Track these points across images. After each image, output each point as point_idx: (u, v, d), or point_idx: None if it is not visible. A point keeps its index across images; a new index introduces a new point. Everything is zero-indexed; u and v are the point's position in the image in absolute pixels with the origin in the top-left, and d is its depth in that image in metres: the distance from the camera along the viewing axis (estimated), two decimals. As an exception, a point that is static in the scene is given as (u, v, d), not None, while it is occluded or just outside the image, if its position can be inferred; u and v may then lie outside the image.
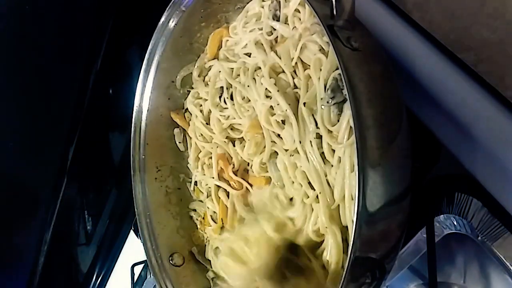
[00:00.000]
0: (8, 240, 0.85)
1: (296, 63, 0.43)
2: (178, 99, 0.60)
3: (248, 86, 0.48)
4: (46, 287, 0.92)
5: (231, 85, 0.52)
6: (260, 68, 0.47)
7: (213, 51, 0.56)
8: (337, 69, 0.39)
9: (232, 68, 0.52)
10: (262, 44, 0.48)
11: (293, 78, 0.44)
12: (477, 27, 0.42)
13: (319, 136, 0.41)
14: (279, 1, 0.47)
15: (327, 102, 0.39)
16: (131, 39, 0.79)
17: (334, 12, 0.33)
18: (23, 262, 0.87)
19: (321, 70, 0.40)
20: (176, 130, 0.61)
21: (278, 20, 0.47)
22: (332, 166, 0.41)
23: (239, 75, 0.51)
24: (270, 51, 0.47)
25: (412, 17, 0.47)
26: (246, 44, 0.50)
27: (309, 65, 0.42)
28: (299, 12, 0.45)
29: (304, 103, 0.42)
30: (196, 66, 0.58)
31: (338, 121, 0.39)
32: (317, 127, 0.41)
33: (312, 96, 0.41)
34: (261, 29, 0.48)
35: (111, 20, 0.73)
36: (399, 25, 0.47)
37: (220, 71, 0.54)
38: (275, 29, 0.47)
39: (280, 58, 0.45)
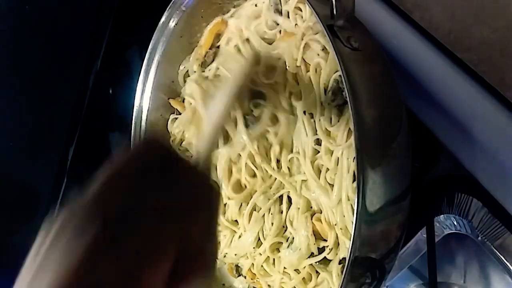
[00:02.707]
0: (8, 240, 0.85)
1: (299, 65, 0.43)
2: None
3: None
4: None
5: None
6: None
7: (209, 43, 0.55)
8: (337, 71, 0.39)
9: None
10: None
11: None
12: (477, 27, 0.42)
13: (318, 142, 0.41)
14: None
15: (328, 104, 0.39)
16: (131, 39, 0.79)
17: (334, 12, 0.33)
18: (23, 262, 0.86)
19: (321, 72, 0.40)
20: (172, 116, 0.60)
21: (280, 15, 0.46)
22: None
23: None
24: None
25: (412, 17, 0.47)
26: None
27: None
28: (301, 10, 0.45)
29: (304, 112, 0.42)
30: (192, 58, 0.57)
31: (338, 121, 0.39)
32: (316, 133, 0.41)
33: (312, 101, 0.41)
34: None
35: (111, 20, 0.73)
36: (399, 25, 0.47)
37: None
38: (277, 24, 0.47)
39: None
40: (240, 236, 0.50)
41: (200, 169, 0.31)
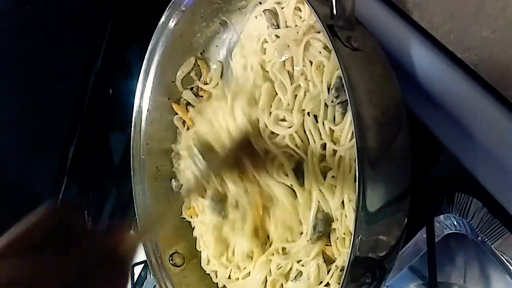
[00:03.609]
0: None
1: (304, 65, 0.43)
2: (178, 99, 0.60)
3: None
4: None
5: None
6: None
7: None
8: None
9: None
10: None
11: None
12: (477, 27, 0.42)
13: (323, 147, 0.41)
14: (274, 9, 0.46)
15: (332, 102, 0.39)
16: (131, 39, 0.79)
17: (334, 12, 0.33)
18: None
19: (324, 70, 0.40)
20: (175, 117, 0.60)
21: (278, 27, 0.46)
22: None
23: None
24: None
25: (412, 17, 0.47)
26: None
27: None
28: (300, 10, 0.45)
29: (308, 113, 0.41)
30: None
31: (342, 120, 0.39)
32: (321, 138, 0.41)
33: (316, 101, 0.41)
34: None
35: (111, 20, 0.73)
36: (399, 25, 0.47)
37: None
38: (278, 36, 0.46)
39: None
40: (247, 275, 0.50)
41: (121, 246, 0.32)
